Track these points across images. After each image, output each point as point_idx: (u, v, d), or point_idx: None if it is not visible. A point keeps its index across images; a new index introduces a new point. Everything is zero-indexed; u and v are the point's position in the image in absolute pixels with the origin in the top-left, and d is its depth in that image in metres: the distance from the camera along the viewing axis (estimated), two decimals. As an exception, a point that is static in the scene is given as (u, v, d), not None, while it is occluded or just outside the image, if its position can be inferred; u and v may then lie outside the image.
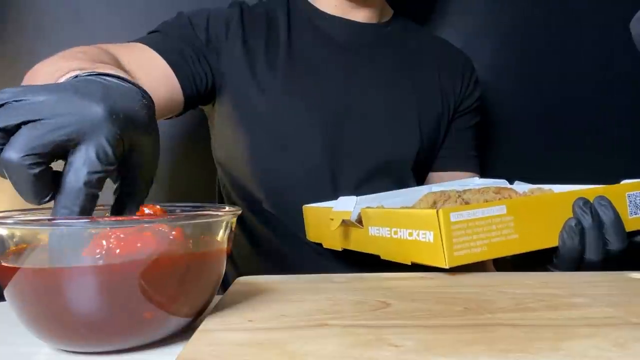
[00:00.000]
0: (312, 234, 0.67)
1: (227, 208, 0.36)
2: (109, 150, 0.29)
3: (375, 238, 0.52)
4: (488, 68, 0.95)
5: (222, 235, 0.35)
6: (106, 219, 0.33)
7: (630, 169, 0.59)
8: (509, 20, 0.98)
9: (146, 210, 0.34)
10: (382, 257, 0.51)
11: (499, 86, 0.97)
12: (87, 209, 0.30)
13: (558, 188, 0.58)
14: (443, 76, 0.81)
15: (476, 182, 0.75)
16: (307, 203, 0.69)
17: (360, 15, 0.78)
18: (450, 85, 0.81)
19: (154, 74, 0.64)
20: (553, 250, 0.48)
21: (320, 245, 0.65)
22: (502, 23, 0.98)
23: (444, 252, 0.42)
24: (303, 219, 0.69)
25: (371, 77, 0.76)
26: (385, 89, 0.76)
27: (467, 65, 0.85)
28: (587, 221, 0.47)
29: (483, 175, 0.81)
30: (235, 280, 0.43)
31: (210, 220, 0.34)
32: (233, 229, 0.36)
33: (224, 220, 0.34)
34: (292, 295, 0.38)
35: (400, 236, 0.48)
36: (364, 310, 0.34)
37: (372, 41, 0.78)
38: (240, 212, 0.36)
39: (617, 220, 0.48)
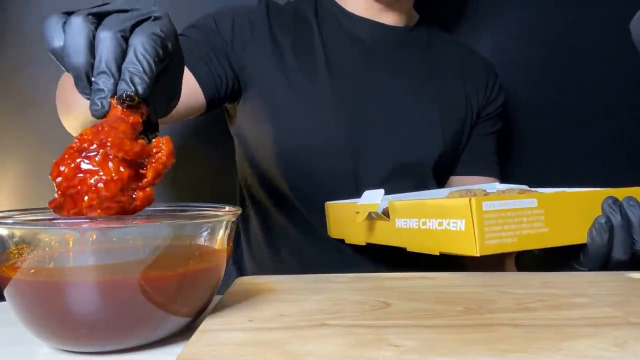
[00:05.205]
0: (334, 230, 0.68)
1: (227, 208, 0.36)
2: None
3: (401, 230, 0.52)
4: (509, 74, 0.95)
5: (222, 235, 0.35)
6: (105, 217, 0.33)
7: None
8: (531, 27, 0.98)
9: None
10: (408, 249, 0.52)
11: (519, 92, 0.97)
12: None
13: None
14: (467, 81, 0.82)
15: (497, 186, 0.75)
16: (329, 200, 0.69)
17: (388, 18, 0.79)
18: (473, 90, 0.82)
19: None
20: (580, 249, 0.49)
21: (342, 241, 0.65)
22: (524, 30, 0.98)
23: (475, 240, 0.43)
24: (325, 216, 0.69)
25: (396, 80, 0.77)
26: (410, 92, 0.77)
27: (490, 71, 0.85)
28: (616, 219, 0.48)
29: (502, 181, 0.81)
30: (235, 280, 0.43)
31: (210, 220, 0.34)
32: (234, 228, 0.36)
33: (223, 220, 0.34)
34: (292, 295, 0.38)
35: (429, 226, 0.48)
36: (365, 310, 0.34)
37: (398, 44, 0.79)
38: (240, 212, 0.36)
39: None
